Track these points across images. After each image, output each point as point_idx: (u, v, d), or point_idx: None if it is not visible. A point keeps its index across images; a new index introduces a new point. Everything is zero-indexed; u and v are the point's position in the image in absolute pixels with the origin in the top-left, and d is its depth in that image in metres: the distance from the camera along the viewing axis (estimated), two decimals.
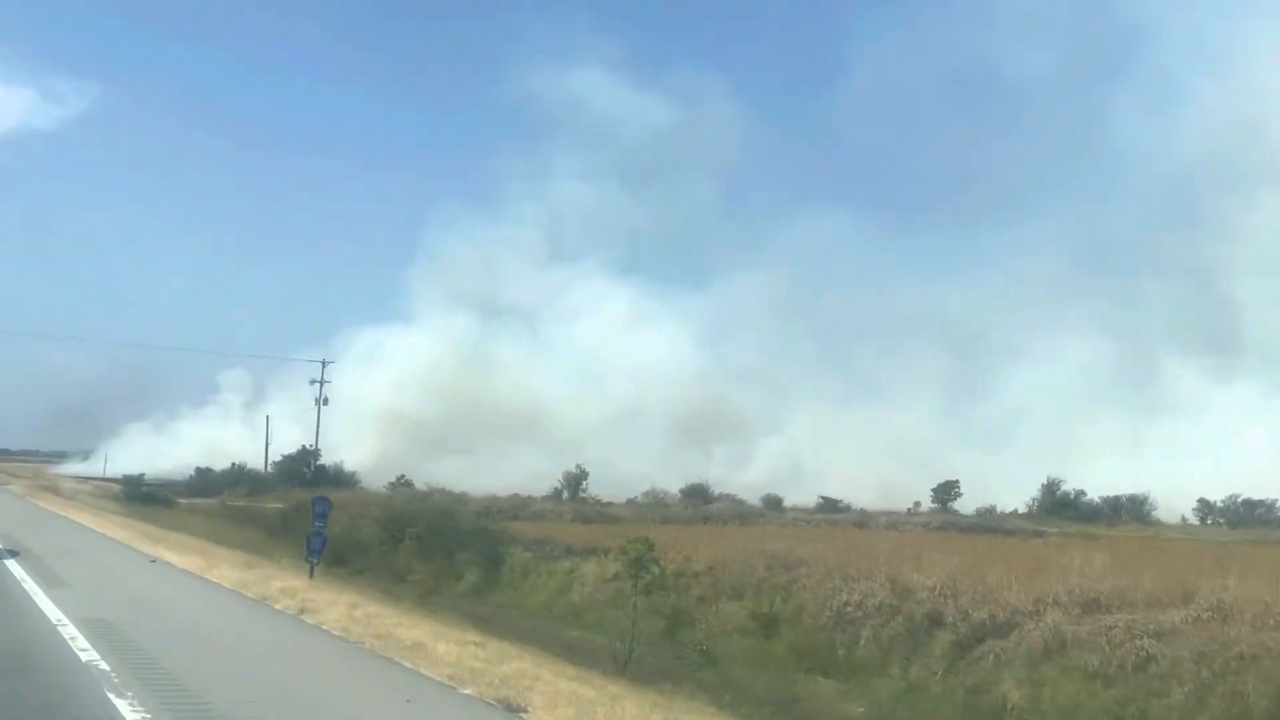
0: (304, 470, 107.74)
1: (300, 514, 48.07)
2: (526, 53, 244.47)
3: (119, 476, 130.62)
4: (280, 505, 74.53)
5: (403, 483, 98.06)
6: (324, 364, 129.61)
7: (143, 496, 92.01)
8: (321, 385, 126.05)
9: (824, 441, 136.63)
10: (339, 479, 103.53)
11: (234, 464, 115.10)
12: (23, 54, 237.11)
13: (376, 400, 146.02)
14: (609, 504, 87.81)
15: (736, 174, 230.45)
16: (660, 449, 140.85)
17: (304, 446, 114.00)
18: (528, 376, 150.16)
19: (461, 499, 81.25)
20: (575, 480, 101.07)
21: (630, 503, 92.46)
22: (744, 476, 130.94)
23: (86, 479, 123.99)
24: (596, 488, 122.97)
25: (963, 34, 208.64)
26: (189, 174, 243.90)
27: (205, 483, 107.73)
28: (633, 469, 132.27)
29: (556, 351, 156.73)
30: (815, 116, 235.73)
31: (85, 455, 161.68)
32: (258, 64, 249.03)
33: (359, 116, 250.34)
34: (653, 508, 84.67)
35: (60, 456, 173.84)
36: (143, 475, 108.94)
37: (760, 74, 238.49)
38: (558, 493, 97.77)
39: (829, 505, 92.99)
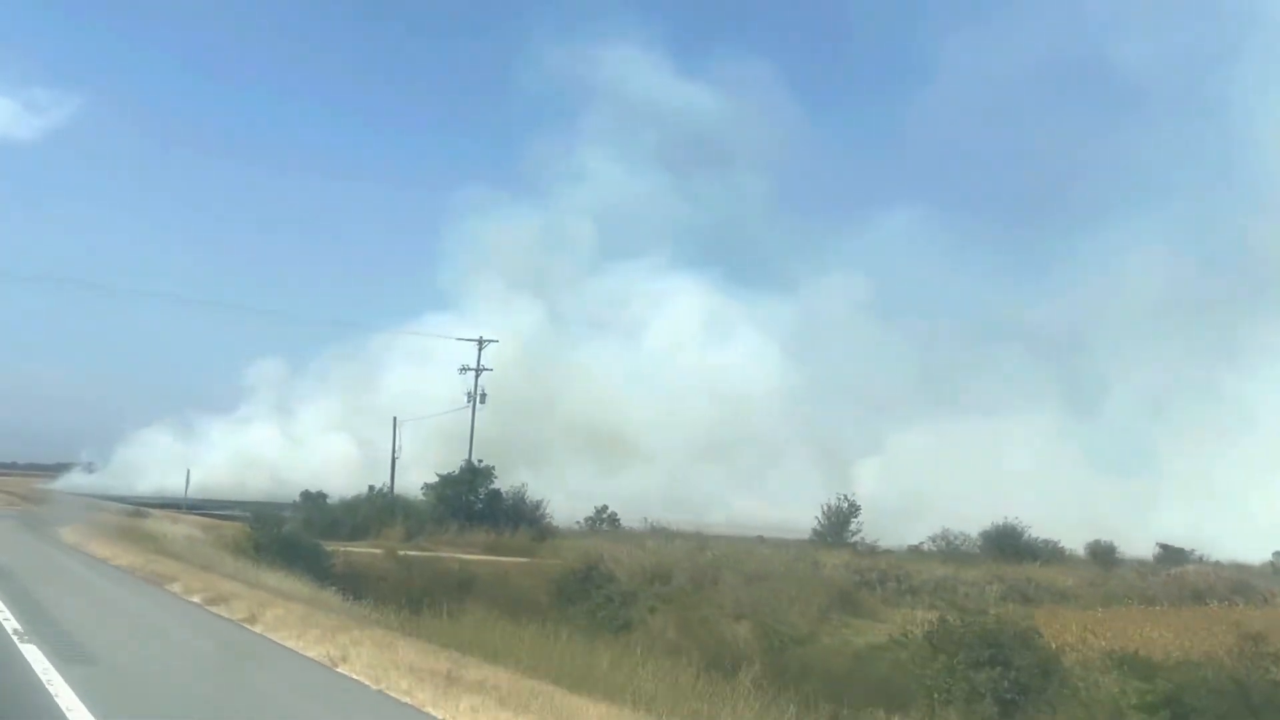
0: (470, 498, 75.46)
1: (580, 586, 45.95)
2: (555, 33, 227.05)
3: (146, 495, 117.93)
4: (479, 557, 57.17)
5: (605, 518, 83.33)
6: (480, 343, 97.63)
7: (281, 544, 47.79)
8: (478, 375, 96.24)
9: (929, 464, 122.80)
10: (520, 512, 74.21)
11: (373, 488, 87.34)
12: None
13: (430, 406, 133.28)
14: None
15: (792, 169, 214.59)
16: (747, 469, 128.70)
17: (471, 462, 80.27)
18: (596, 381, 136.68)
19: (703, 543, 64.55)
20: (841, 518, 78.93)
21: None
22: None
23: (117, 500, 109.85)
24: (681, 511, 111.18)
25: (1061, 19, 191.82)
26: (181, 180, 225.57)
27: (321, 513, 71.58)
28: (728, 491, 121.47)
29: (625, 355, 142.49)
30: (882, 108, 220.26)
31: (89, 467, 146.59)
32: (260, 60, 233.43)
33: (374, 104, 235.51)
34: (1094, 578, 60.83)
35: (54, 469, 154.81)
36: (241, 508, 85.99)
37: (814, 61, 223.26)
38: (820, 535, 79.05)
39: (1171, 556, 74.06)
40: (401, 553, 55.01)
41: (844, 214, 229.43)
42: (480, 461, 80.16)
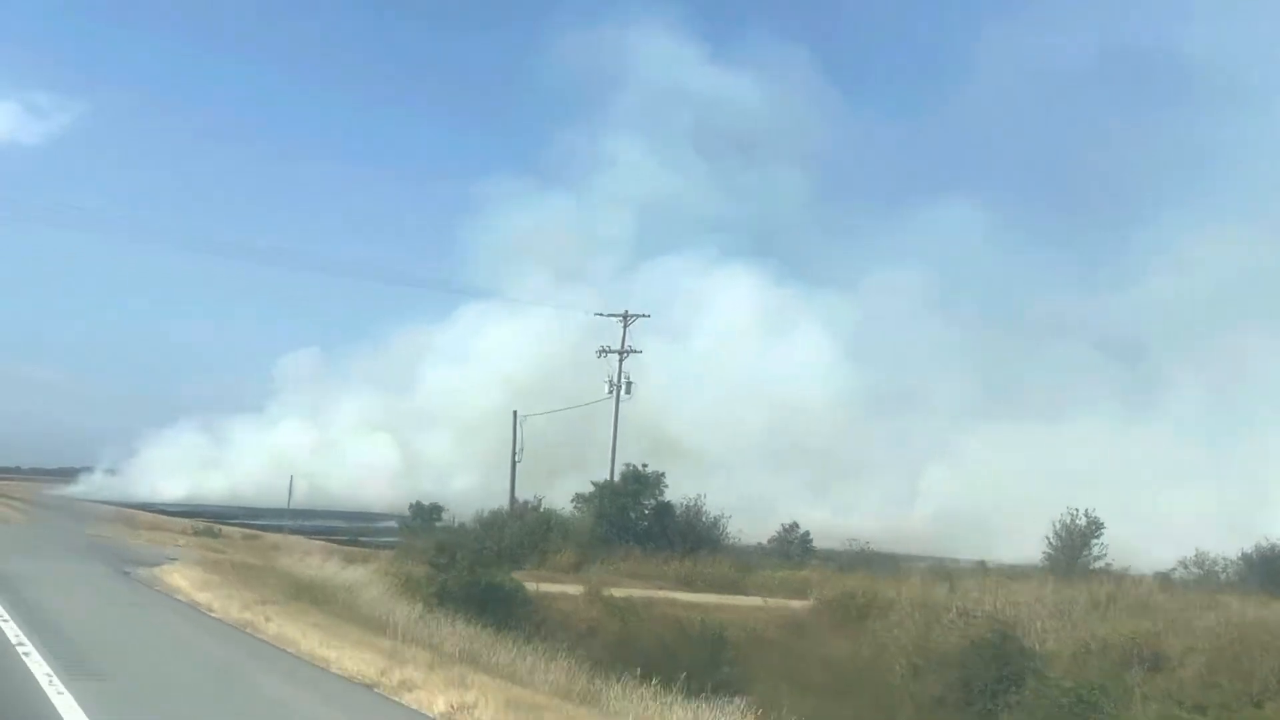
0: (634, 514, 64.45)
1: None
2: (582, 17, 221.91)
3: (174, 503, 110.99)
4: (696, 597, 45.40)
5: (796, 540, 73.25)
6: (625, 319, 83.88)
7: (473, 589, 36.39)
8: (621, 360, 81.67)
9: (996, 473, 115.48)
10: (695, 530, 64.09)
11: (422, 504, 76.40)
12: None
13: (470, 404, 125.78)
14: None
15: (834, 158, 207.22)
16: (807, 474, 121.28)
17: (635, 467, 69.24)
18: (648, 380, 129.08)
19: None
20: (1077, 538, 63.31)
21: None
22: (909, 518, 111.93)
23: (145, 507, 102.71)
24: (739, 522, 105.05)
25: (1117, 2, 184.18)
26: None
27: (454, 535, 60.43)
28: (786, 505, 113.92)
29: (675, 352, 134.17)
30: (927, 95, 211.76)
31: (111, 469, 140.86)
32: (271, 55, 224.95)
33: (397, 95, 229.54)
34: None
35: (63, 474, 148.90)
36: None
37: (852, 46, 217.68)
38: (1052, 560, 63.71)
39: None
40: (606, 593, 42.07)
41: (892, 205, 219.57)
42: (645, 466, 68.44)
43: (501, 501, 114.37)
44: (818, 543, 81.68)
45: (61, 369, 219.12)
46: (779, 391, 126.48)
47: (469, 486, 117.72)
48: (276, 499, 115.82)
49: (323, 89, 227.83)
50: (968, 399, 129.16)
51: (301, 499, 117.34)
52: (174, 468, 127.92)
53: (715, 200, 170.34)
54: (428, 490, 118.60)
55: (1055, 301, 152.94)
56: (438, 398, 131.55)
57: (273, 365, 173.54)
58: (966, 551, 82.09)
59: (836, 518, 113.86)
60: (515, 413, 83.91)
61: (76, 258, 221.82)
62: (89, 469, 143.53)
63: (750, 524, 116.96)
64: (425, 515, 66.46)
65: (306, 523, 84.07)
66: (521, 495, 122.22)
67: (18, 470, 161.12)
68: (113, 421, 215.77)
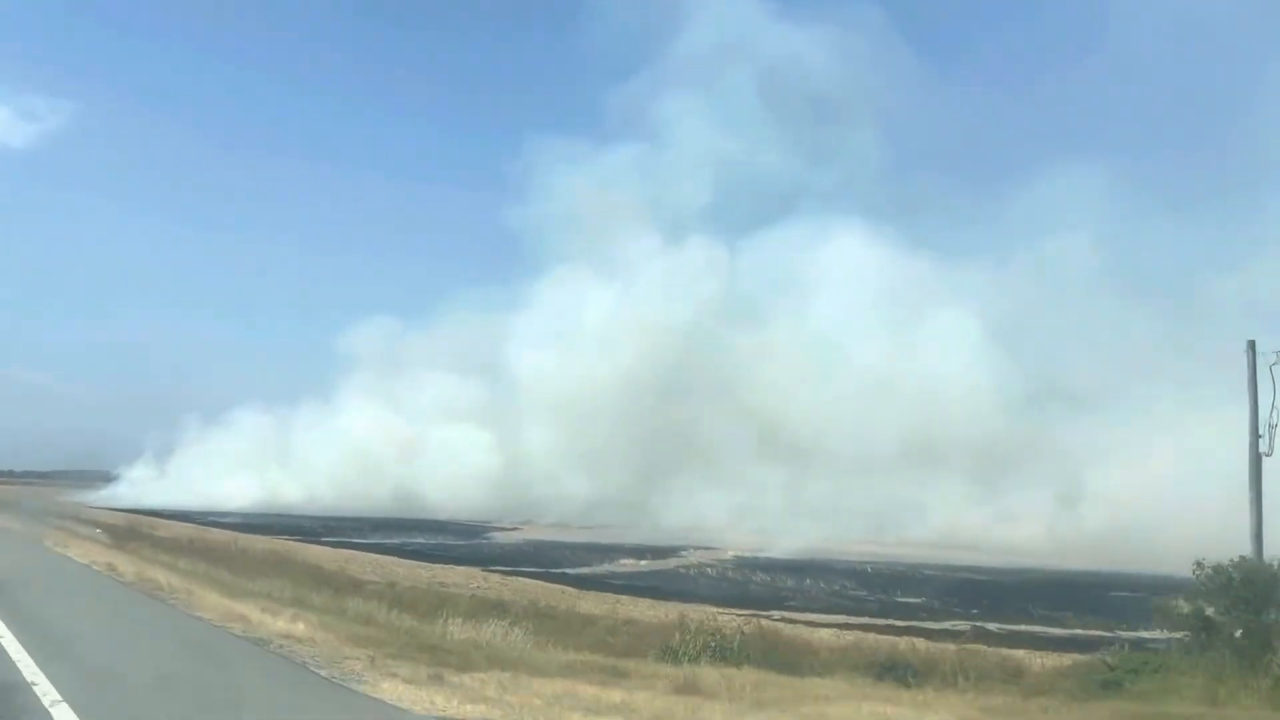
0: None
1: None
2: None
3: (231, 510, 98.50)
4: None
5: None
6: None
7: None
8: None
9: (1180, 471, 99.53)
10: None
11: None
12: None
13: (572, 389, 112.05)
14: None
15: (913, 122, 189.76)
16: (957, 481, 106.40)
17: None
18: (761, 367, 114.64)
19: None
20: None
21: None
22: (1078, 523, 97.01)
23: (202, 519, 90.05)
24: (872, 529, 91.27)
25: None
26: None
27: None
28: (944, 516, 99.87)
29: (793, 333, 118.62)
30: (1017, 57, 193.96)
31: (158, 464, 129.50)
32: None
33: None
34: None
35: (77, 479, 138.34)
36: None
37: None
38: None
39: None
40: None
41: (1007, 171, 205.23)
42: None
43: (628, 507, 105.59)
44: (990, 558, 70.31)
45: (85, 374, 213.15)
46: (918, 378, 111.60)
47: (587, 492, 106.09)
48: (358, 502, 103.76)
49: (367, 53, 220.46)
50: (1141, 384, 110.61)
51: (386, 504, 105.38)
52: (232, 467, 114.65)
53: (806, 165, 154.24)
54: (539, 496, 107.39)
55: (1219, 273, 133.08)
56: (531, 381, 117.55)
57: (333, 344, 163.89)
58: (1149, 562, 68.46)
59: (997, 525, 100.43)
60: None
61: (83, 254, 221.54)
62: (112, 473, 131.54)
63: (897, 531, 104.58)
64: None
65: (416, 539, 71.23)
66: (626, 496, 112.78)
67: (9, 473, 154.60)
68: (147, 422, 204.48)
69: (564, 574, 48.98)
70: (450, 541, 72.15)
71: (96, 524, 57.19)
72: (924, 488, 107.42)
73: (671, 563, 60.82)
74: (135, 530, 53.21)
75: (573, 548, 70.68)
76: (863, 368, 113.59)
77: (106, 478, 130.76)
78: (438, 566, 46.50)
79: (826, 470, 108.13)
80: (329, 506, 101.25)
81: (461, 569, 46.08)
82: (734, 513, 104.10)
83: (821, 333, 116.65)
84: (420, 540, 70.39)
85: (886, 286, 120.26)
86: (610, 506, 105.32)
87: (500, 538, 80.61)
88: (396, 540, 68.44)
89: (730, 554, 68.91)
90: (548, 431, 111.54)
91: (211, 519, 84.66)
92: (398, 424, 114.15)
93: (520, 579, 43.80)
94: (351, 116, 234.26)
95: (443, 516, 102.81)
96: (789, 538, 77.48)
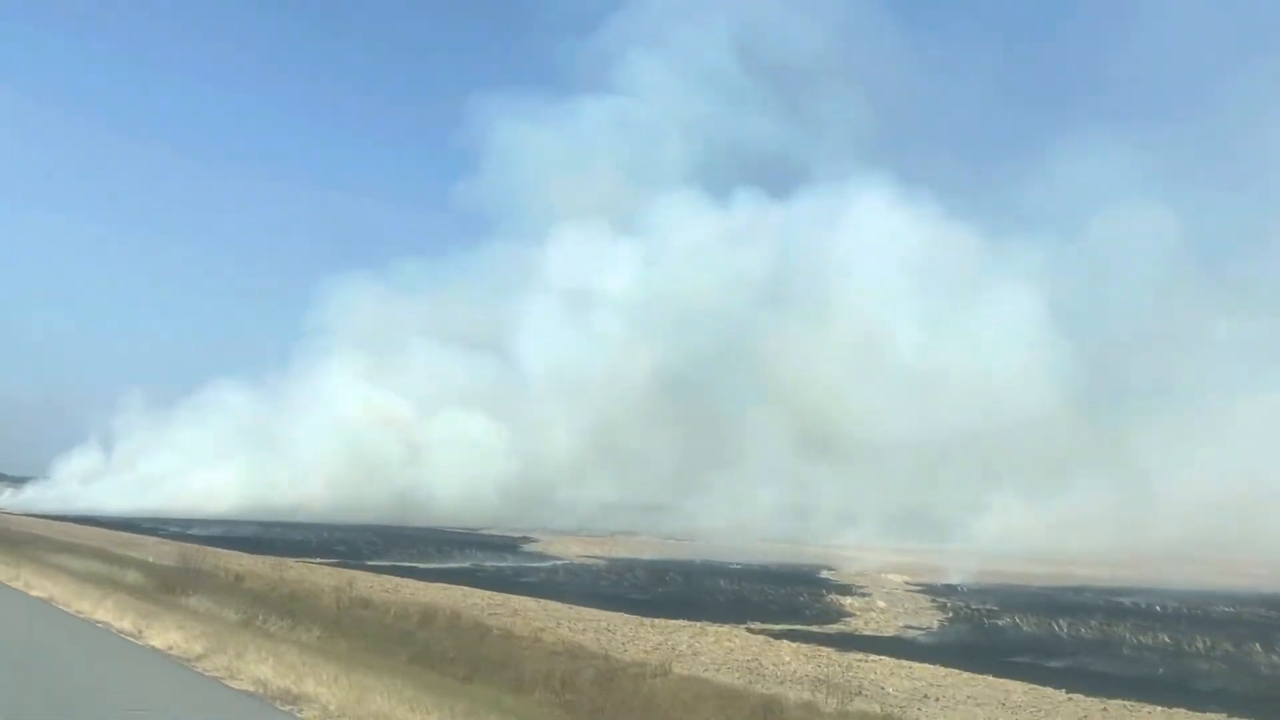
0: None
1: None
2: None
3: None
4: None
5: None
6: None
7: None
8: None
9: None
10: None
11: None
12: None
13: (598, 376, 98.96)
14: None
15: (927, 83, 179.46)
16: (1003, 474, 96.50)
17: None
18: (790, 352, 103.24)
19: None
20: None
21: None
22: (1147, 529, 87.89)
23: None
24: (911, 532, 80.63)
25: None
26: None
27: None
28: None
29: (826, 314, 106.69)
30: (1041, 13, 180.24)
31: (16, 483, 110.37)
32: None
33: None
34: None
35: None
36: None
37: None
38: None
39: None
40: None
41: (1014, 140, 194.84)
42: None
43: (662, 510, 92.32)
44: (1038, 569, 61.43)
45: None
46: (967, 367, 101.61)
47: (614, 498, 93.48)
48: (353, 499, 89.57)
49: None
50: (1220, 376, 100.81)
51: (386, 505, 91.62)
52: (206, 459, 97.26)
53: (806, 128, 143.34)
54: (563, 502, 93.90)
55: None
56: (544, 361, 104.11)
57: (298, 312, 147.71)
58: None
59: (1056, 532, 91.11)
60: None
61: None
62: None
63: (941, 538, 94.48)
64: None
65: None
66: (658, 499, 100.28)
67: None
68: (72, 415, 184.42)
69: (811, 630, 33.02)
70: (525, 564, 57.84)
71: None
72: (969, 487, 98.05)
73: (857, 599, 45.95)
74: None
75: (698, 572, 57.44)
76: (906, 351, 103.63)
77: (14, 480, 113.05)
78: (591, 612, 33.82)
79: (862, 469, 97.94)
80: (327, 511, 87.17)
81: (618, 616, 33.47)
82: (780, 514, 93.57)
83: (857, 309, 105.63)
84: (490, 564, 55.76)
85: (928, 262, 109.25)
86: (640, 509, 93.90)
87: (572, 556, 66.25)
88: (454, 564, 54.51)
89: (899, 580, 56.16)
90: (564, 418, 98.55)
91: (194, 531, 70.72)
92: (394, 407, 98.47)
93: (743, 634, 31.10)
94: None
95: (462, 523, 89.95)
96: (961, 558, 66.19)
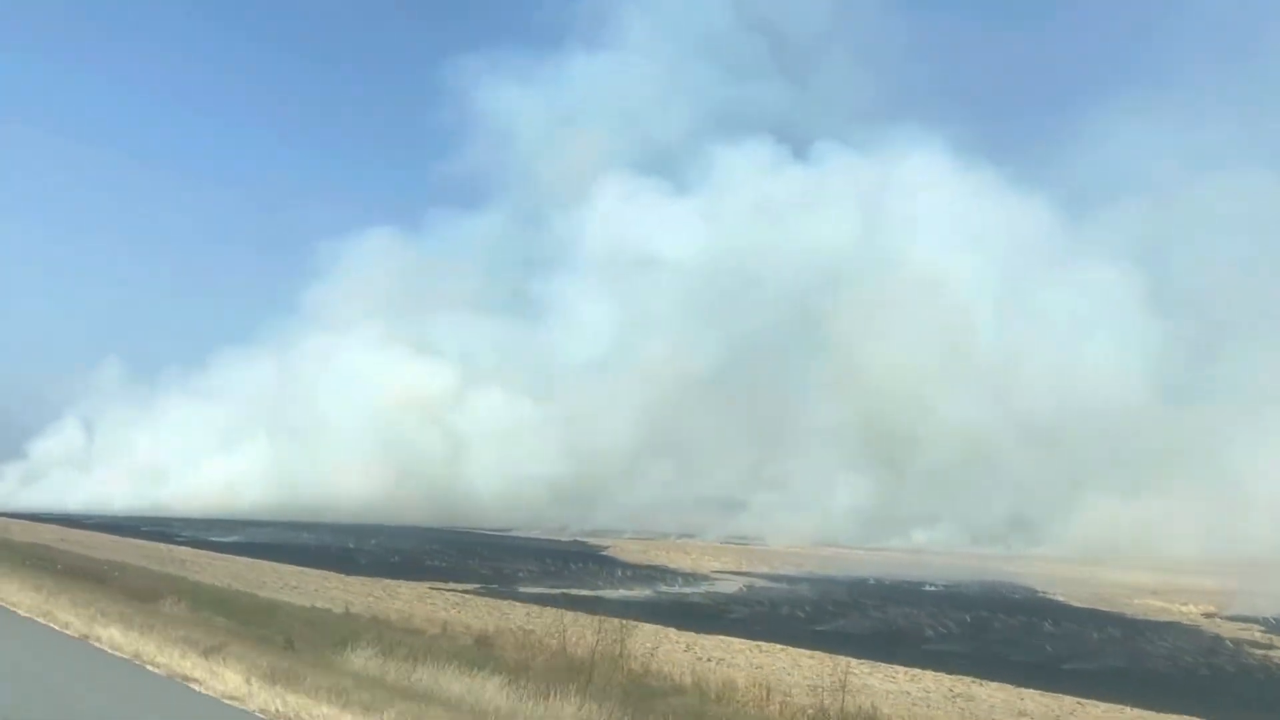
0: None
1: None
2: None
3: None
4: None
5: None
6: None
7: None
8: None
9: None
10: None
11: None
12: None
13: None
14: None
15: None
16: (1092, 481, 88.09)
17: None
18: (852, 333, 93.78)
19: None
20: None
21: None
22: (1242, 531, 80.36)
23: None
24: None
25: None
26: None
27: None
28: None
29: (889, 296, 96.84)
30: None
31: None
32: None
33: None
34: None
35: None
36: None
37: None
38: None
39: None
40: None
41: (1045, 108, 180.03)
42: None
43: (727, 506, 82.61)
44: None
45: None
46: (1047, 353, 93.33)
47: (674, 493, 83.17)
48: (393, 503, 78.51)
49: None
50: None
51: (428, 511, 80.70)
52: (212, 443, 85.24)
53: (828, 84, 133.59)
54: (618, 498, 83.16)
55: None
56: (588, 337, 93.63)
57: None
58: None
59: (1146, 536, 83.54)
60: None
61: None
62: None
63: (1032, 541, 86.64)
64: None
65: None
66: (722, 494, 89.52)
67: None
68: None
69: None
70: (693, 588, 46.15)
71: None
72: (1050, 485, 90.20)
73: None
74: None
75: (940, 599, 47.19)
76: (982, 334, 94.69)
77: None
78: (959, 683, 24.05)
79: (919, 468, 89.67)
80: (360, 509, 76.22)
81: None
82: (855, 513, 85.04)
83: (922, 283, 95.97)
84: (664, 588, 44.49)
85: (997, 234, 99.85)
86: (707, 506, 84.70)
87: (709, 570, 55.53)
88: (624, 590, 43.56)
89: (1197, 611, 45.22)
90: (616, 402, 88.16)
91: (230, 537, 59.94)
92: (427, 387, 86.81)
93: None
94: None
95: (508, 523, 79.98)
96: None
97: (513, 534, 78.13)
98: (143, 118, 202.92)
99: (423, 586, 39.01)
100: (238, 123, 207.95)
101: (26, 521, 59.54)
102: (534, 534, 78.05)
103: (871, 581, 54.13)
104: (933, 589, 51.97)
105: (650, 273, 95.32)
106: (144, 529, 65.18)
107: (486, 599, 36.13)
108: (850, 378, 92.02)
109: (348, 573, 43.82)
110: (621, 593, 42.08)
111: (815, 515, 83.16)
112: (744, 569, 58.68)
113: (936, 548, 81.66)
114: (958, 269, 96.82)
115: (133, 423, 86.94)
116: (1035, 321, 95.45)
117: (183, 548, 52.56)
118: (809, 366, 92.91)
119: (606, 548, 68.90)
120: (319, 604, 31.23)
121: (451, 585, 40.84)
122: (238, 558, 48.03)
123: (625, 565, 57.40)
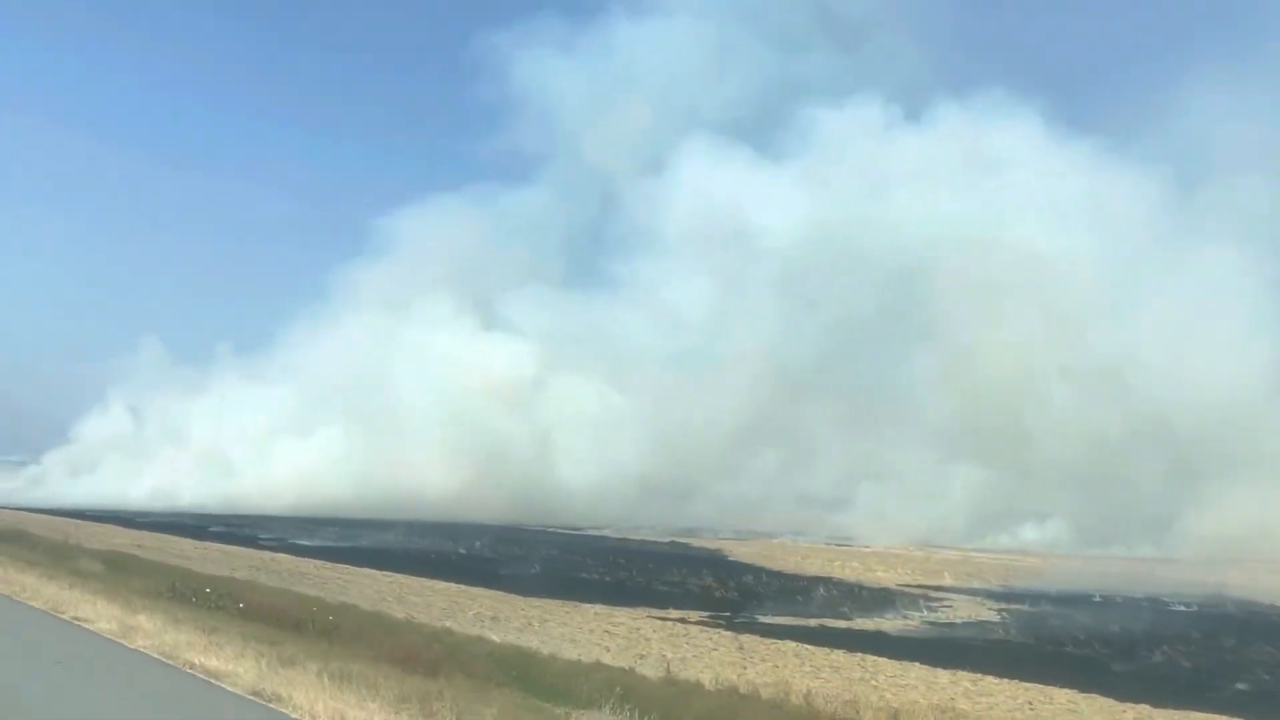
0: None
1: None
2: None
3: None
4: None
5: None
6: None
7: None
8: None
9: None
10: None
11: None
12: None
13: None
14: None
15: None
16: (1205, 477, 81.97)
17: None
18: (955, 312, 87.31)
19: None
20: None
21: None
22: None
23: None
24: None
25: None
26: None
27: None
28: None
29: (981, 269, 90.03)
30: None
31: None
32: None
33: None
34: None
35: None
36: None
37: None
38: None
39: None
40: None
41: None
42: None
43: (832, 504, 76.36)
44: None
45: None
46: (1160, 341, 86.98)
47: (769, 490, 76.38)
48: (476, 497, 71.57)
49: None
50: None
51: (509, 506, 73.82)
52: (271, 430, 78.04)
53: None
54: (712, 493, 76.32)
55: None
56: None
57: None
58: None
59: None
60: None
61: None
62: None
63: (1158, 544, 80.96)
64: None
65: None
66: (821, 491, 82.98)
67: None
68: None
69: None
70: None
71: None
72: (1172, 485, 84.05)
73: None
74: None
75: None
76: (1089, 318, 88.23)
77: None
78: None
79: (1035, 465, 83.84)
80: (442, 505, 69.59)
81: None
82: (962, 513, 79.21)
83: (1027, 264, 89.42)
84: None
85: (1106, 212, 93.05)
86: (808, 504, 78.64)
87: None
88: (852, 619, 34.78)
89: None
90: (706, 387, 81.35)
91: (337, 541, 53.49)
92: (503, 364, 79.47)
93: None
94: None
95: (592, 520, 73.42)
96: None
97: (605, 533, 71.87)
98: (190, 111, 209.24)
99: (640, 614, 32.28)
100: (278, 110, 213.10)
101: (85, 522, 54.19)
102: (632, 534, 71.57)
103: (1097, 599, 47.52)
104: (1184, 609, 45.23)
105: (741, 248, 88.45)
106: (216, 529, 59.52)
107: (750, 635, 29.32)
108: (957, 366, 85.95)
109: (505, 589, 37.96)
110: (861, 623, 35.06)
111: (925, 513, 77.14)
112: (929, 581, 51.84)
113: (1047, 548, 76.45)
114: (1065, 248, 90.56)
115: (183, 408, 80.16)
116: (1148, 307, 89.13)
117: (282, 555, 47.41)
118: (914, 354, 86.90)
119: (728, 553, 61.97)
120: (568, 651, 24.15)
121: (670, 612, 33.82)
122: (358, 569, 42.14)
123: (792, 577, 50.28)
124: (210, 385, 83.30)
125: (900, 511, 77.16)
